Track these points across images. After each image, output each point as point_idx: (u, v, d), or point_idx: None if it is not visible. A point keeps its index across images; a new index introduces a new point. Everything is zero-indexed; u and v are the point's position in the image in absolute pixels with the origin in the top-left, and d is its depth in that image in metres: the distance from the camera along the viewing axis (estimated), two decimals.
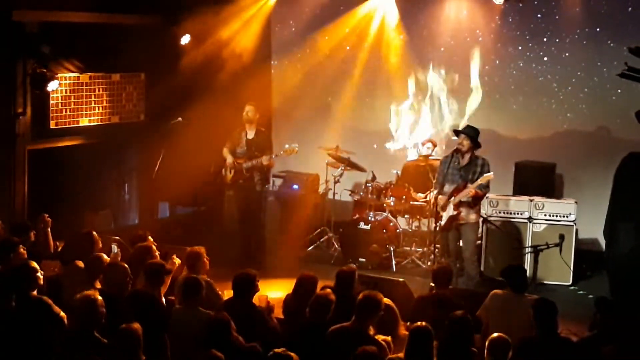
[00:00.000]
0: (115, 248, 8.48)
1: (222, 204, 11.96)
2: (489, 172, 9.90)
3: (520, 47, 12.28)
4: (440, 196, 10.06)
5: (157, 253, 8.02)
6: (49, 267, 7.85)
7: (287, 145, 11.00)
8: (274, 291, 9.00)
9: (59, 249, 8.76)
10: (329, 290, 7.08)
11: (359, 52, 13.08)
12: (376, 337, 6.41)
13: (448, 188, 10.06)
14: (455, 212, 9.95)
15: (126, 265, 7.27)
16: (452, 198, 9.95)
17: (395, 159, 12.92)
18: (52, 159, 11.25)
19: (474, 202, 9.97)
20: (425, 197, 11.24)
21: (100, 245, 8.22)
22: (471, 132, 10.04)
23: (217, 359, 5.75)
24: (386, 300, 6.87)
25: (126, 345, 5.80)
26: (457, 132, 10.20)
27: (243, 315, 6.95)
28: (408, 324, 6.65)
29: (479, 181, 9.79)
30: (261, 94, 12.63)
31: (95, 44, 11.22)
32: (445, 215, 10.05)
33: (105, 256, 7.64)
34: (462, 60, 12.56)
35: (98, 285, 7.34)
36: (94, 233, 8.28)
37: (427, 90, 12.87)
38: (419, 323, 6.09)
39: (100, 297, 6.25)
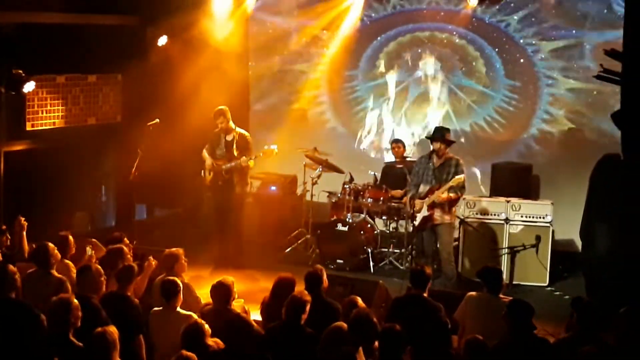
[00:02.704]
0: (89, 250, 8.40)
1: (200, 205, 11.92)
2: (462, 172, 9.95)
3: (496, 49, 12.36)
4: (417, 200, 10.10)
5: (129, 255, 7.95)
6: (24, 270, 7.78)
7: (265, 147, 10.94)
8: (251, 293, 8.97)
9: None
10: (304, 290, 7.05)
11: (336, 53, 13.12)
12: None
13: (423, 188, 10.11)
14: (428, 213, 9.98)
15: (99, 267, 7.22)
16: (427, 198, 9.99)
17: (373, 160, 12.96)
18: (28, 160, 11.15)
19: (450, 206, 10.01)
20: (404, 193, 11.21)
21: (74, 250, 8.16)
22: (441, 135, 10.07)
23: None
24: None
25: (101, 349, 5.73)
26: (430, 139, 10.23)
27: (225, 323, 6.91)
28: None
29: (450, 183, 9.82)
30: (239, 96, 12.60)
31: (72, 45, 11.15)
32: (419, 216, 10.09)
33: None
34: (438, 61, 12.63)
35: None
36: (70, 237, 8.23)
37: (403, 92, 12.92)
38: (389, 325, 6.03)
39: (76, 301, 6.20)
